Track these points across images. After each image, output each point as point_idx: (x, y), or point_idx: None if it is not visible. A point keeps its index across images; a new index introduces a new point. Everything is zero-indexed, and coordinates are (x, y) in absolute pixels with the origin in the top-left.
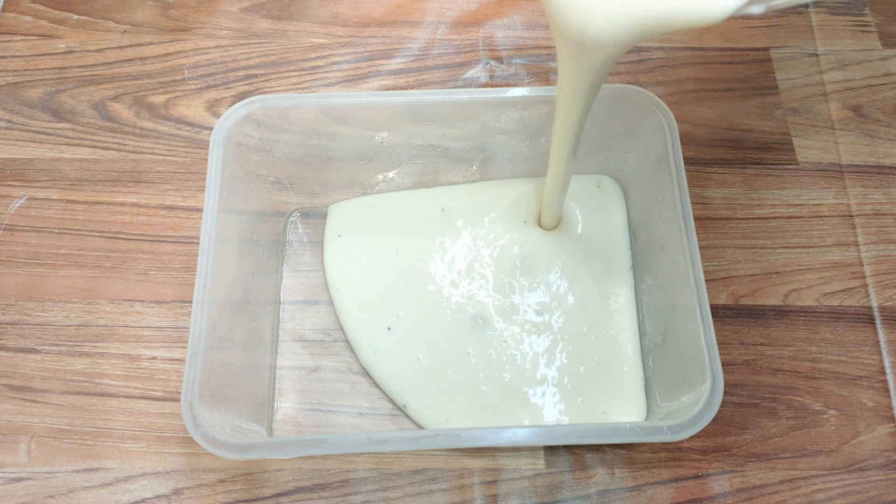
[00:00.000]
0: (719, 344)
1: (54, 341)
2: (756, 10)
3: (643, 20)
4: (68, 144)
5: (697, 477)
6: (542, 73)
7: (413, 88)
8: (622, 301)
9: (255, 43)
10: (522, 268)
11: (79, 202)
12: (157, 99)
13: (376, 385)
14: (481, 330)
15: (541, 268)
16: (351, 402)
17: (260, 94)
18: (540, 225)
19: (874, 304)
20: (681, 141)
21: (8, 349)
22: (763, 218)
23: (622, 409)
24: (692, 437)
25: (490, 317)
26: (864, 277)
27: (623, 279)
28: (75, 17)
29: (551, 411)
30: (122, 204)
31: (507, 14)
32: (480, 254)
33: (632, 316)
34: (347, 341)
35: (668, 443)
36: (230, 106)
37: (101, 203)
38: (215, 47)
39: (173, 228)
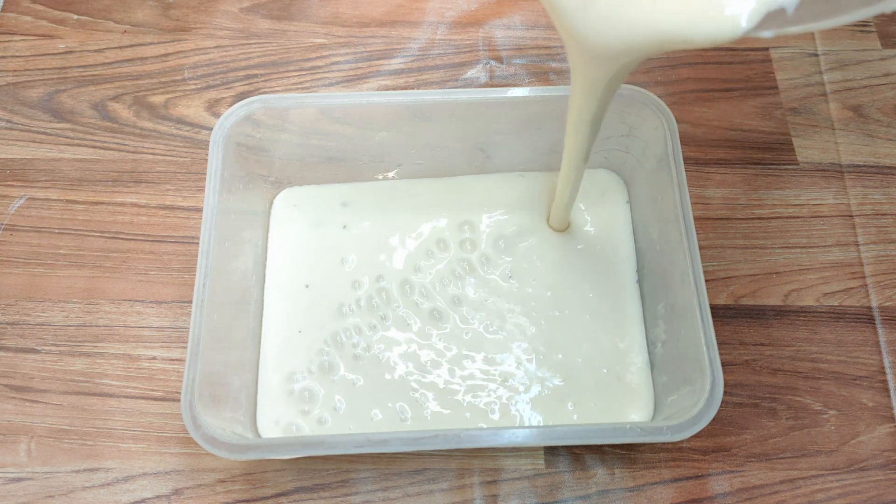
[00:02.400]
0: (719, 344)
1: (54, 341)
2: (767, 34)
3: (651, 38)
4: (68, 144)
5: (697, 477)
6: (542, 73)
7: (413, 88)
8: (628, 298)
9: (255, 43)
10: (526, 264)
11: (79, 202)
12: (157, 99)
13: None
14: (486, 329)
15: (545, 264)
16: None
17: (260, 94)
18: (549, 225)
19: (874, 304)
20: (681, 141)
21: (8, 349)
22: (763, 218)
23: (630, 408)
24: (692, 437)
25: (496, 315)
26: (864, 277)
27: (628, 274)
28: (75, 17)
29: (557, 410)
30: (122, 204)
31: (507, 14)
32: (478, 249)
33: (637, 313)
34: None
35: (668, 443)
36: (230, 106)
37: (101, 203)
38: (215, 47)
39: (173, 228)
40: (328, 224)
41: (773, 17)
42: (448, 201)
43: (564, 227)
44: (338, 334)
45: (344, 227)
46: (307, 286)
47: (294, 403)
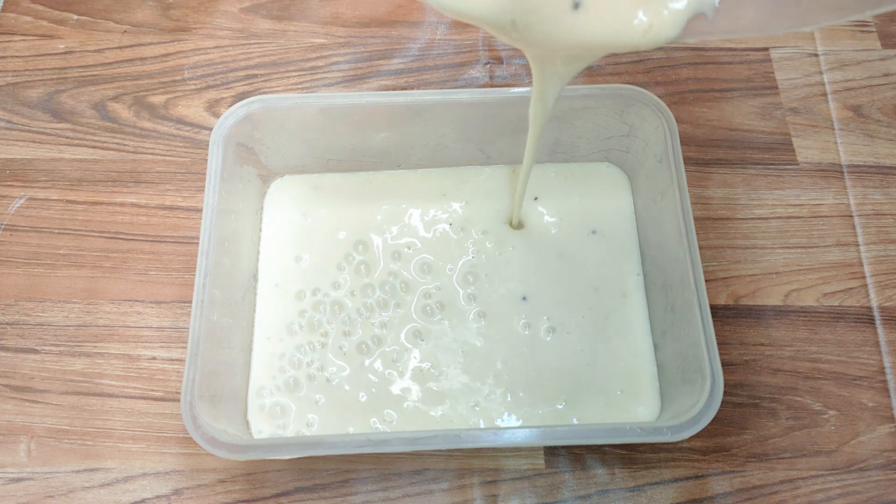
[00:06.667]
0: (719, 344)
1: (54, 341)
2: (691, 40)
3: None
4: (68, 144)
5: (697, 477)
6: None
7: (413, 88)
8: (633, 296)
9: (255, 43)
10: (532, 261)
11: (79, 202)
12: (157, 99)
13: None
14: (489, 328)
15: (549, 261)
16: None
17: (260, 94)
18: (510, 225)
19: (874, 304)
20: (681, 141)
21: (8, 349)
22: (763, 218)
23: (637, 408)
24: (692, 437)
25: (501, 314)
26: (864, 277)
27: (632, 270)
28: (75, 17)
29: (561, 410)
30: (122, 204)
31: None
32: (482, 246)
33: (642, 311)
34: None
35: (668, 443)
36: (230, 106)
37: (101, 203)
38: (215, 47)
39: (173, 228)
40: (293, 212)
41: (695, 24)
42: (422, 192)
43: (518, 224)
44: (293, 354)
45: (304, 214)
46: (276, 285)
47: (266, 419)
